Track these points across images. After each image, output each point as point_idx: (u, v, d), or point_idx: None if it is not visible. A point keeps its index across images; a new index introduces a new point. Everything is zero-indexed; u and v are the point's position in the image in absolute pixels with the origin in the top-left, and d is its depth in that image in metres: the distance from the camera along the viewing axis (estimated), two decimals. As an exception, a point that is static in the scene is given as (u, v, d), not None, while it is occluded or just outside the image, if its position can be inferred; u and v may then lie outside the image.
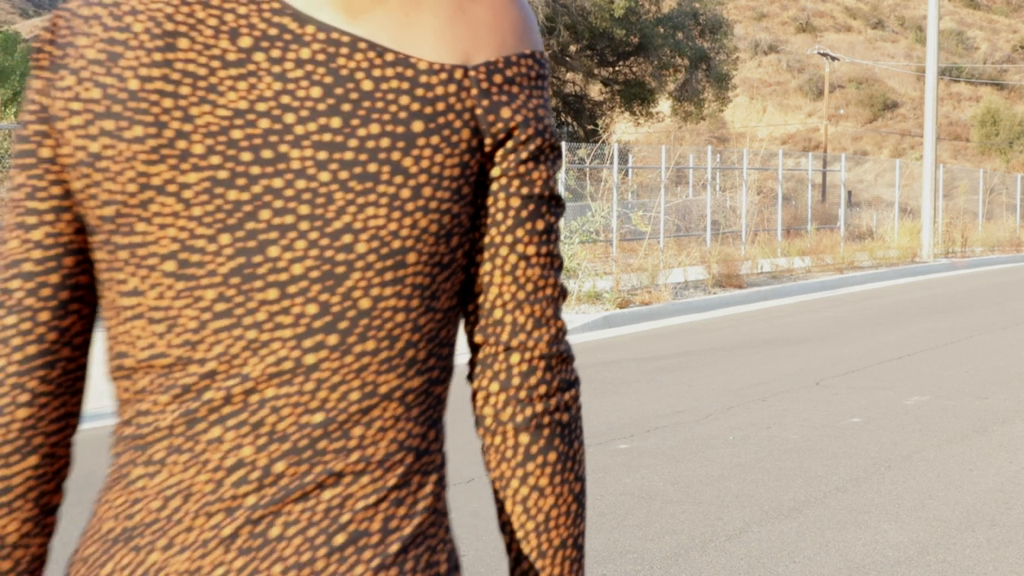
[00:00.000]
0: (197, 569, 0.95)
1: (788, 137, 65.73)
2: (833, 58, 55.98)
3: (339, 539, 0.96)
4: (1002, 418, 7.53)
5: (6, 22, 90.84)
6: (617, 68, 32.63)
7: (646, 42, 30.95)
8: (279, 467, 0.96)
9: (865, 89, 70.65)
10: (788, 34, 79.00)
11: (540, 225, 1.03)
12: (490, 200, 1.02)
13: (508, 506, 1.07)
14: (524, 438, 1.04)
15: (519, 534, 1.07)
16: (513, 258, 1.03)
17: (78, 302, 1.03)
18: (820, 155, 46.24)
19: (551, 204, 1.04)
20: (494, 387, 1.04)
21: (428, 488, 1.01)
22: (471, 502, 5.46)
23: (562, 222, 14.33)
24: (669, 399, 8.00)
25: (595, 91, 34.39)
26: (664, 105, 36.05)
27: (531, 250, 1.03)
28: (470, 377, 1.06)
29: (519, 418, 1.04)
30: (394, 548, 0.98)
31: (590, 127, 30.27)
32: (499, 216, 1.02)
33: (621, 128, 45.00)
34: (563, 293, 1.07)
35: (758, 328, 12.56)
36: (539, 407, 1.04)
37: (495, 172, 1.01)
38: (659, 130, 53.43)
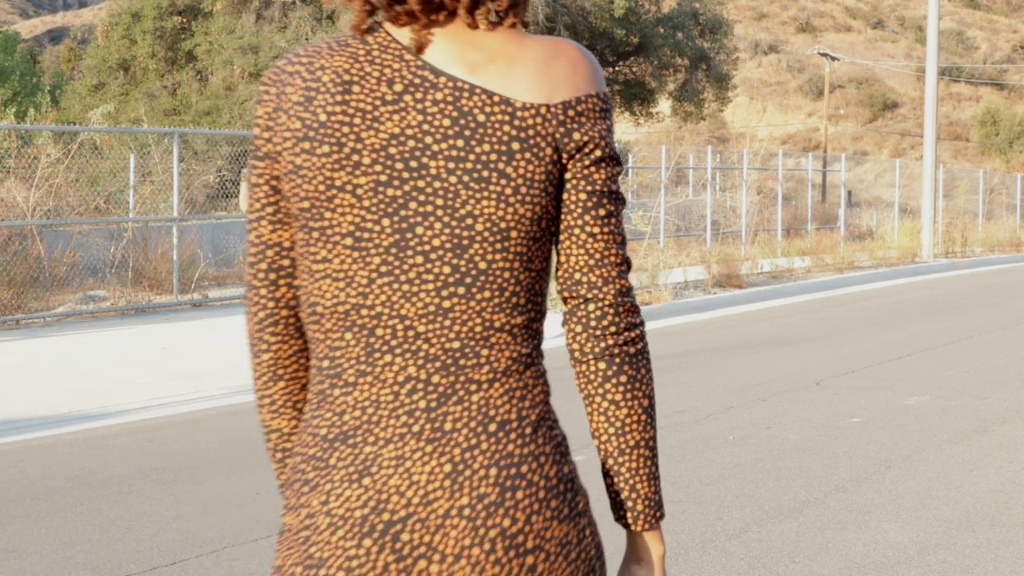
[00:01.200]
0: (402, 455, 1.40)
1: (788, 137, 65.69)
2: (833, 58, 55.93)
3: (492, 427, 1.41)
4: (1002, 418, 7.52)
5: (6, 22, 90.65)
6: (617, 68, 32.62)
7: (646, 42, 30.94)
8: (435, 379, 1.41)
9: (865, 89, 70.60)
10: (788, 34, 78.96)
11: (602, 212, 1.46)
12: (566, 195, 1.46)
13: (594, 417, 1.49)
14: (601, 364, 1.47)
15: (603, 437, 1.49)
16: (583, 236, 1.46)
17: (284, 279, 1.51)
18: (820, 155, 46.20)
19: (611, 197, 1.47)
20: (578, 328, 1.48)
21: (539, 388, 1.46)
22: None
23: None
24: (669, 399, 8.00)
25: (595, 91, 34.28)
26: (664, 105, 36.03)
27: (596, 229, 1.46)
28: (563, 323, 1.49)
29: (596, 349, 1.47)
30: (528, 429, 1.43)
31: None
32: (572, 206, 1.46)
33: (621, 128, 44.99)
34: (626, 261, 1.49)
35: (758, 328, 12.56)
36: (610, 341, 1.47)
37: (568, 175, 1.45)
38: (659, 130, 53.41)
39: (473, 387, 1.42)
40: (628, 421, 1.48)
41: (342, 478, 1.42)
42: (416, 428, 1.41)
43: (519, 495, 1.40)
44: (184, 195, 15.19)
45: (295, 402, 1.56)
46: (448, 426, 1.41)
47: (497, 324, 1.43)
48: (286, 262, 1.50)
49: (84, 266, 13.86)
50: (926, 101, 24.39)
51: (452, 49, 1.44)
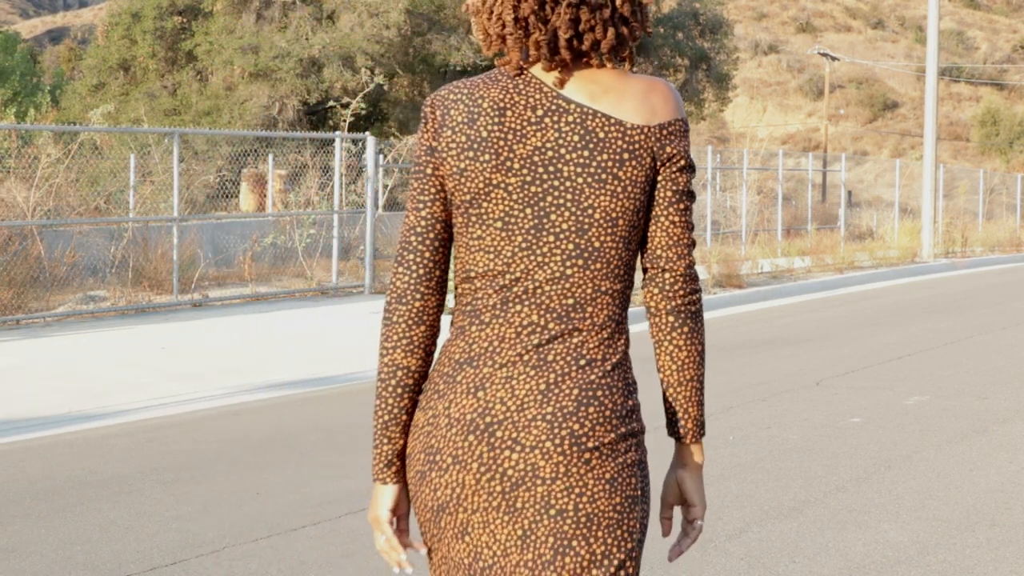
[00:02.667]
0: (511, 375, 1.91)
1: (788, 137, 65.66)
2: (833, 58, 55.90)
3: (582, 362, 1.92)
4: (1002, 418, 7.52)
5: (6, 22, 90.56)
6: (617, 68, 32.56)
7: (646, 42, 30.91)
8: (551, 325, 1.93)
9: (865, 89, 70.57)
10: (788, 34, 78.92)
11: (681, 206, 1.98)
12: (657, 192, 1.97)
13: (661, 356, 2.01)
14: (671, 318, 1.99)
15: (666, 371, 2.01)
16: (667, 223, 1.97)
17: (442, 247, 2.00)
18: (820, 155, 46.18)
19: (688, 195, 1.98)
20: (655, 291, 2.00)
21: (622, 341, 1.97)
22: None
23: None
24: (669, 399, 7.98)
25: (595, 91, 34.22)
26: (664, 105, 36.00)
27: (676, 219, 1.98)
28: (643, 286, 2.00)
29: (669, 306, 1.99)
30: (608, 366, 1.93)
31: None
32: (661, 200, 1.97)
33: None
34: (693, 243, 1.99)
35: (758, 328, 12.55)
36: (679, 301, 1.99)
37: (660, 178, 1.96)
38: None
39: (576, 333, 1.93)
40: (687, 360, 2.00)
41: (463, 391, 1.93)
42: (526, 358, 1.92)
43: (590, 410, 1.90)
44: (184, 195, 15.19)
45: (427, 345, 2.02)
46: (550, 358, 1.92)
47: (603, 288, 1.94)
48: (447, 235, 2.01)
49: (84, 266, 13.84)
50: (926, 101, 24.37)
51: (577, 84, 1.95)
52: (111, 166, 16.04)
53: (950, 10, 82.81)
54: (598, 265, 1.93)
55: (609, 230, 1.92)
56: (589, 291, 1.93)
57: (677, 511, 5.11)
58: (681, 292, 1.98)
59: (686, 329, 1.98)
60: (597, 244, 1.92)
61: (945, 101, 68.34)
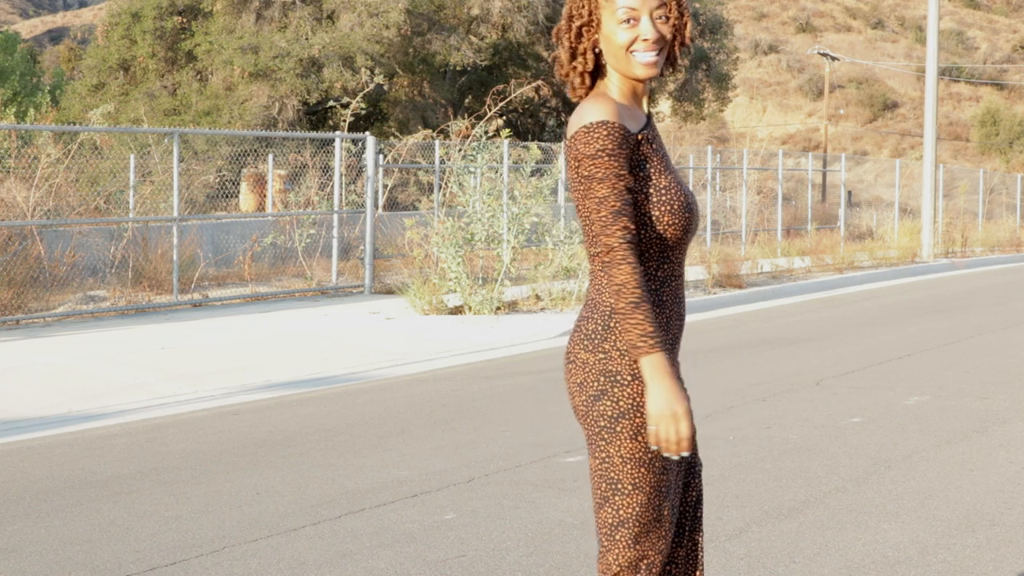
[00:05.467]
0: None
1: (788, 137, 65.65)
2: (833, 58, 55.86)
3: (585, 299, 2.84)
4: (1002, 418, 7.51)
5: (6, 22, 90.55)
6: (617, 68, 32.48)
7: (646, 42, 30.87)
8: (591, 272, 2.84)
9: (865, 89, 70.56)
10: (788, 34, 78.89)
11: (574, 192, 2.73)
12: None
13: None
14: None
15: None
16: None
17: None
18: (820, 155, 46.16)
19: (574, 181, 2.75)
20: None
21: (596, 286, 2.76)
22: (471, 501, 5.45)
23: (562, 223, 14.42)
24: (669, 399, 7.97)
25: (595, 91, 34.16)
26: (664, 105, 35.99)
27: (576, 200, 2.75)
28: None
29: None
30: (591, 303, 2.79)
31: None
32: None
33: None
34: (592, 219, 2.68)
35: (758, 328, 12.55)
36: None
37: None
38: (659, 130, 53.26)
39: (592, 278, 2.78)
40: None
41: None
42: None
43: (574, 334, 2.78)
44: (184, 195, 15.18)
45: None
46: (587, 296, 2.84)
47: (590, 252, 2.73)
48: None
49: (84, 266, 13.83)
50: (926, 101, 24.36)
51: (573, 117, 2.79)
52: (111, 166, 16.03)
53: (950, 10, 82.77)
54: (585, 238, 2.73)
55: (578, 214, 2.73)
56: (588, 255, 2.78)
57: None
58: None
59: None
60: (578, 225, 2.87)
61: (945, 101, 68.32)
